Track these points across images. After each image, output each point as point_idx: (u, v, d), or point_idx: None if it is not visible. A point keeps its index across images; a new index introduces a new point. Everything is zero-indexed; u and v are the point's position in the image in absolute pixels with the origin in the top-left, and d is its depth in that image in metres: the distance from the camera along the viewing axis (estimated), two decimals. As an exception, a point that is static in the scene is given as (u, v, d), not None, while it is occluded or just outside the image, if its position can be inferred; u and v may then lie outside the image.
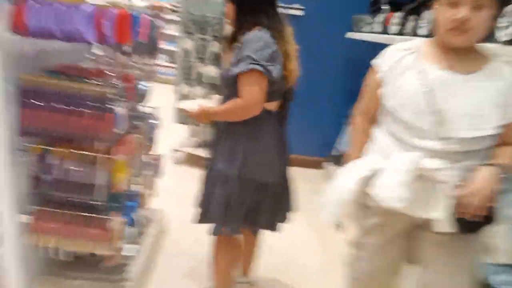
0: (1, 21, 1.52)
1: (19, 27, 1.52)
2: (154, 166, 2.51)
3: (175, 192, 3.37)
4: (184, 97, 3.86)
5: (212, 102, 2.15)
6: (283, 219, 2.02)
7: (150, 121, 2.34)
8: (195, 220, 1.95)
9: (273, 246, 2.61)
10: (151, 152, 2.44)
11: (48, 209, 1.77)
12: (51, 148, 1.68)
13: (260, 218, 1.89)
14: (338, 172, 1.58)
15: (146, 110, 2.32)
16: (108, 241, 1.81)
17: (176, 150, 4.09)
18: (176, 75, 3.82)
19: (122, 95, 1.74)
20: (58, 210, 1.78)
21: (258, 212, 1.87)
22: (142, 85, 2.09)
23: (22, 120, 1.60)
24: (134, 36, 1.79)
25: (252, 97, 1.66)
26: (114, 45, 1.66)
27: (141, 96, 2.13)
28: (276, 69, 1.68)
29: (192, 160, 4.15)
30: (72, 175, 1.70)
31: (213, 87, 3.81)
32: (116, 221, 1.87)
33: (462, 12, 1.25)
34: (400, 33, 2.81)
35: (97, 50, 2.16)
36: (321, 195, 1.60)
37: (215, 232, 1.91)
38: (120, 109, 1.72)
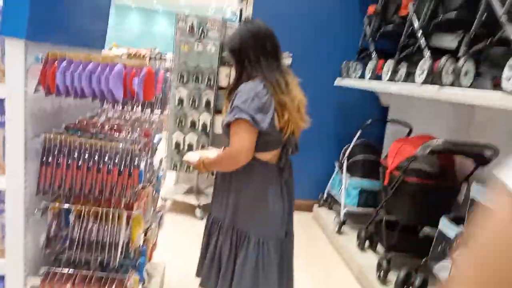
0: (31, 79, 1.51)
1: (48, 86, 1.52)
2: (158, 217, 2.47)
3: (167, 242, 3.30)
4: (177, 145, 3.86)
5: (214, 152, 2.16)
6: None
7: (159, 173, 2.33)
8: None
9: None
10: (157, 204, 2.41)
11: (63, 269, 1.70)
12: (71, 206, 1.63)
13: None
14: None
15: (155, 161, 2.32)
16: (128, 301, 1.74)
17: (165, 198, 4.04)
18: (169, 123, 3.83)
19: (145, 150, 1.74)
20: (73, 270, 1.71)
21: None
22: (156, 137, 2.09)
23: (43, 179, 1.57)
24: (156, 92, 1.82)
25: (238, 145, 1.70)
26: (141, 102, 1.67)
27: (155, 149, 2.12)
28: (266, 120, 1.69)
29: (178, 208, 4.10)
30: (92, 234, 1.65)
31: (207, 134, 3.84)
32: (133, 279, 1.81)
33: None
34: (392, 79, 2.96)
35: (112, 104, 2.16)
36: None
37: None
38: (143, 164, 1.71)
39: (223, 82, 3.76)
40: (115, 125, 1.91)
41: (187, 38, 3.69)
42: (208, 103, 3.78)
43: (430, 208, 2.58)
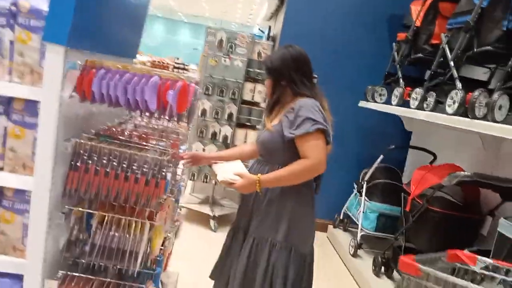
0: (67, 85, 1.53)
1: (84, 92, 1.53)
2: (175, 227, 2.46)
3: (181, 252, 3.29)
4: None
5: (240, 164, 2.13)
6: None
7: (180, 183, 2.33)
8: None
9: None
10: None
11: (80, 274, 1.70)
12: (94, 212, 1.64)
13: None
14: None
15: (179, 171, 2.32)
16: (143, 312, 1.73)
17: (180, 206, 4.03)
18: (191, 132, 3.85)
19: (172, 161, 1.74)
20: (91, 277, 1.70)
21: None
22: (181, 148, 2.10)
23: (70, 182, 1.58)
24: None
25: (319, 156, 1.71)
26: (175, 114, 1.68)
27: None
28: (331, 134, 1.78)
29: (194, 217, 4.09)
30: (114, 241, 1.65)
31: (227, 146, 3.85)
32: (149, 289, 1.80)
33: None
34: (420, 107, 2.93)
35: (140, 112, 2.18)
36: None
37: None
38: (169, 175, 1.71)
39: (247, 96, 3.78)
40: (143, 134, 1.92)
41: (215, 52, 3.72)
42: (230, 116, 3.79)
43: (452, 239, 2.52)
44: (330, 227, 4.27)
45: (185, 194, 4.27)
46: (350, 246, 3.58)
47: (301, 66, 1.87)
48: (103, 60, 1.54)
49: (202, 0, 13.86)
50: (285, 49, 1.89)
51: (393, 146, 3.50)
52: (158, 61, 8.80)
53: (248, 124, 3.90)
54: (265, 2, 4.90)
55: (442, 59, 2.85)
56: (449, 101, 2.47)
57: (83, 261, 1.67)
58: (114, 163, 1.58)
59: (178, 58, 9.69)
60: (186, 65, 8.69)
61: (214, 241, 3.58)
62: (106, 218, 1.63)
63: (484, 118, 2.10)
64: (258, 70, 3.80)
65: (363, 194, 3.58)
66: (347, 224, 4.08)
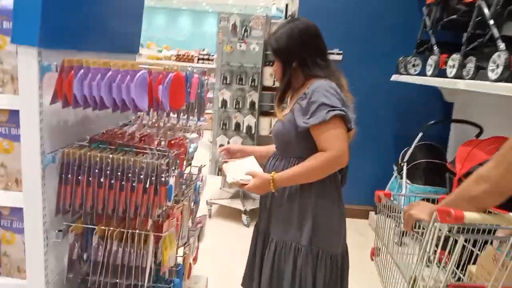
0: (46, 90, 1.38)
1: (66, 96, 1.37)
2: (198, 230, 2.29)
3: (212, 251, 3.15)
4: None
5: (254, 161, 1.91)
6: None
7: (197, 182, 2.15)
8: None
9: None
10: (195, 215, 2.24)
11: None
12: (93, 227, 1.48)
13: None
14: None
15: (192, 171, 2.15)
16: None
17: (210, 203, 3.89)
18: (214, 126, 3.68)
19: (174, 163, 1.56)
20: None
21: None
22: (191, 147, 1.91)
23: (63, 198, 1.43)
24: (187, 98, 1.64)
25: (341, 146, 1.48)
26: (167, 111, 1.49)
27: (190, 158, 1.95)
28: (351, 119, 1.54)
29: (225, 213, 3.94)
30: (118, 257, 1.49)
31: (251, 137, 3.65)
32: (165, 305, 1.64)
33: None
34: (459, 75, 2.60)
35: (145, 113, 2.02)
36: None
37: None
38: (172, 180, 1.53)
39: (268, 82, 3.55)
40: (146, 135, 1.75)
41: (230, 38, 3.51)
42: (252, 105, 3.58)
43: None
44: (372, 213, 4.00)
45: (216, 190, 4.11)
46: (394, 233, 3.30)
47: (312, 41, 1.62)
48: (83, 59, 1.36)
49: (225, -13, 13.63)
50: (290, 23, 1.63)
51: (432, 122, 3.17)
52: (183, 54, 8.68)
53: (272, 111, 3.67)
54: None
55: (479, 18, 2.50)
56: (491, 65, 2.15)
57: (87, 280, 1.53)
58: (107, 172, 1.41)
59: (203, 50, 9.53)
60: (212, 56, 8.51)
61: (248, 237, 3.40)
62: (106, 232, 1.48)
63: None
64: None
65: (404, 176, 3.28)
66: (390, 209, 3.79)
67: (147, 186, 1.41)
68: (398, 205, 2.06)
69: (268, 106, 3.62)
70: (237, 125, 3.63)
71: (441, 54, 2.94)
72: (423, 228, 1.43)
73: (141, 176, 1.41)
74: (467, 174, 2.49)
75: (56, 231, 1.48)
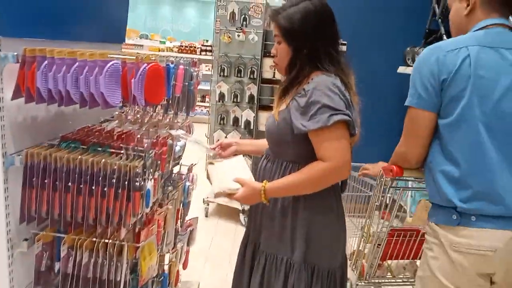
0: (7, 84, 1.23)
1: (29, 91, 1.22)
2: (187, 234, 2.14)
3: (208, 252, 3.01)
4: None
5: (242, 163, 1.74)
6: None
7: (186, 183, 2.00)
8: None
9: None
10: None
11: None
12: (63, 236, 1.34)
13: None
14: None
15: (181, 170, 2.00)
16: None
17: (207, 201, 3.74)
18: (210, 120, 3.53)
19: (154, 165, 1.41)
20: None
21: None
22: (178, 145, 1.76)
23: (28, 203, 1.28)
24: (168, 92, 1.48)
25: (343, 156, 1.30)
26: (145, 105, 1.34)
27: (177, 158, 1.79)
28: (355, 120, 1.36)
29: (222, 212, 3.80)
30: (89, 269, 1.35)
31: (250, 132, 3.49)
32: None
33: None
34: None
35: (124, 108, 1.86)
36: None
37: None
38: (151, 183, 1.38)
39: (268, 74, 3.39)
40: (126, 133, 1.60)
41: (228, 27, 3.34)
42: (251, 98, 3.42)
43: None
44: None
45: (213, 187, 3.96)
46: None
47: (328, 26, 1.39)
48: (46, 48, 1.21)
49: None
50: (304, 1, 1.38)
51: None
52: (186, 46, 8.50)
53: (272, 105, 3.51)
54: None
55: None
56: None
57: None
58: (75, 176, 1.26)
59: (207, 41, 9.35)
60: (215, 47, 8.32)
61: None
62: (76, 242, 1.33)
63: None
64: (278, 43, 3.37)
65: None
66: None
67: (119, 191, 1.26)
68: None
69: (268, 100, 3.45)
70: (235, 120, 3.47)
71: (451, 45, 2.75)
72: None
73: (113, 180, 1.26)
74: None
75: (22, 240, 1.34)
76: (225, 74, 3.40)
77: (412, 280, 2.26)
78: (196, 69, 1.87)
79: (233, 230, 3.49)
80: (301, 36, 1.38)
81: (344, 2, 3.53)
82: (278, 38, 1.42)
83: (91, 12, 1.71)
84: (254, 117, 3.43)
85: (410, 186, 2.14)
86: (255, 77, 3.38)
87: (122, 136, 1.54)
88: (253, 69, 3.36)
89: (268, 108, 3.51)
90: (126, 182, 1.26)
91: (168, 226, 1.73)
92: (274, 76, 3.45)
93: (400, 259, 2.22)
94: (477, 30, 1.33)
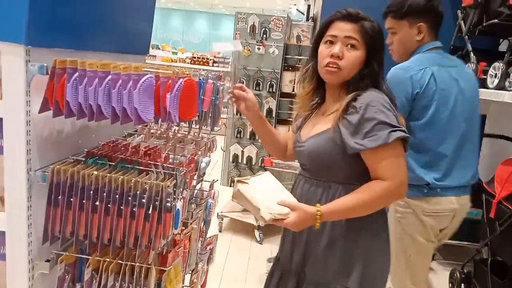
0: (35, 96, 1.17)
1: (58, 104, 1.16)
2: (207, 253, 2.06)
3: (223, 269, 2.92)
4: (235, 158, 3.47)
5: (275, 181, 1.46)
6: None
7: (208, 200, 1.93)
8: None
9: None
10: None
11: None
12: (86, 257, 1.27)
13: None
14: None
15: (203, 187, 1.92)
16: None
17: (221, 216, 3.66)
18: (227, 133, 3.46)
19: (183, 183, 1.34)
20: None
21: None
22: (203, 162, 1.69)
23: (52, 223, 1.22)
24: (199, 107, 1.42)
25: (403, 175, 1.24)
26: (177, 123, 1.27)
27: (201, 174, 1.72)
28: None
29: (237, 227, 3.71)
30: (115, 292, 1.28)
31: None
32: None
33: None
34: (501, 85, 2.34)
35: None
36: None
37: None
38: (180, 203, 1.31)
39: (287, 88, 3.33)
40: (152, 148, 1.53)
41: (247, 40, 3.29)
42: (269, 112, 3.35)
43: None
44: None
45: (227, 201, 3.87)
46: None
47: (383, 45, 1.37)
48: (78, 59, 1.15)
49: (241, -11, 13.48)
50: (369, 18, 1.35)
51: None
52: (199, 57, 8.49)
53: (290, 119, 3.44)
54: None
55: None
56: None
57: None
58: (104, 194, 1.19)
59: (219, 53, 9.35)
60: (227, 59, 8.31)
61: (261, 255, 3.19)
62: (101, 264, 1.26)
63: None
64: (298, 57, 3.32)
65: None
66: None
67: (149, 212, 1.19)
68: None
69: (286, 114, 3.39)
70: (252, 134, 3.41)
71: (478, 62, 2.68)
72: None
73: (143, 200, 1.19)
74: (509, 197, 2.23)
75: (44, 261, 1.27)
76: (244, 88, 3.35)
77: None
78: (221, 83, 1.81)
79: (248, 246, 3.39)
80: (380, 47, 1.33)
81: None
82: (354, 41, 1.29)
83: (117, 23, 1.66)
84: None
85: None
86: (274, 90, 3.32)
87: (149, 152, 1.48)
88: (272, 82, 3.30)
89: (286, 122, 3.45)
90: (157, 203, 1.19)
91: (191, 246, 1.65)
92: (293, 90, 3.39)
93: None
94: (425, 51, 1.80)
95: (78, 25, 1.37)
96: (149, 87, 1.16)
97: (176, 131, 1.87)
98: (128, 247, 1.22)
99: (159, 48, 10.33)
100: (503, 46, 3.18)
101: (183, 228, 1.57)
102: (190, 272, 1.79)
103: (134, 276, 1.26)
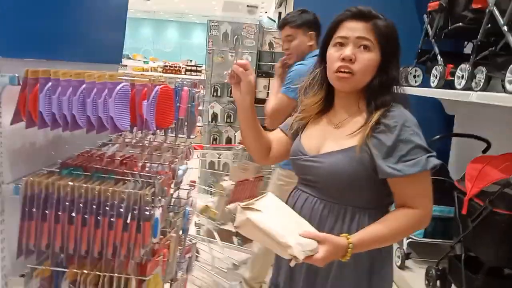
0: (6, 107, 1.14)
1: (30, 115, 1.14)
2: (186, 261, 2.04)
3: (202, 277, 2.89)
4: (211, 165, 3.46)
5: (285, 206, 1.18)
6: None
7: (186, 208, 1.91)
8: None
9: None
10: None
11: None
12: (64, 270, 1.24)
13: None
14: None
15: (181, 195, 1.91)
16: None
17: (199, 224, 3.62)
18: (203, 141, 3.45)
19: (161, 192, 1.33)
20: None
21: None
22: (181, 169, 1.68)
23: (26, 236, 1.18)
24: (176, 114, 1.42)
25: (431, 203, 1.14)
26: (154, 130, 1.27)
27: (179, 182, 1.72)
28: None
29: (213, 235, 3.67)
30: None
31: (243, 154, 3.42)
32: None
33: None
34: (468, 86, 2.42)
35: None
36: None
37: None
38: (159, 212, 1.30)
39: (261, 94, 3.34)
40: (128, 157, 1.52)
41: (220, 48, 3.30)
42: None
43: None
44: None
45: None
46: (396, 256, 3.10)
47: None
48: (51, 70, 1.13)
49: (211, -2, 13.51)
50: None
51: (439, 136, 2.98)
52: (170, 65, 8.45)
53: (265, 125, 3.46)
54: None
55: (489, 25, 2.34)
56: (509, 76, 1.97)
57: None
58: (80, 206, 1.17)
59: (191, 61, 9.33)
60: (199, 67, 8.29)
61: (238, 259, 3.18)
62: (79, 276, 1.23)
63: None
64: (271, 63, 3.34)
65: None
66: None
67: (128, 221, 1.18)
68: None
69: (261, 120, 3.39)
70: (229, 140, 3.41)
71: (445, 64, 2.77)
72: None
73: (121, 210, 1.17)
74: (479, 194, 2.30)
75: (18, 276, 1.23)
76: (218, 94, 3.35)
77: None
78: (196, 90, 1.81)
79: (227, 253, 3.37)
80: (396, 48, 1.18)
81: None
82: (367, 42, 1.14)
83: (88, 33, 1.65)
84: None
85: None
86: (248, 97, 3.33)
87: (125, 161, 1.46)
88: (246, 89, 3.31)
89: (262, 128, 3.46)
90: (136, 212, 1.18)
91: (170, 255, 1.63)
92: (267, 96, 3.41)
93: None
94: (315, 55, 1.76)
95: (49, 35, 1.35)
96: (124, 95, 1.16)
97: (151, 140, 1.86)
98: (106, 258, 1.20)
99: (130, 58, 10.23)
100: (468, 49, 3.30)
101: (162, 236, 1.55)
102: (170, 281, 1.78)
103: (114, 287, 1.24)
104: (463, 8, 2.62)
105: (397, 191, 1.14)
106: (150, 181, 1.26)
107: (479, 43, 2.40)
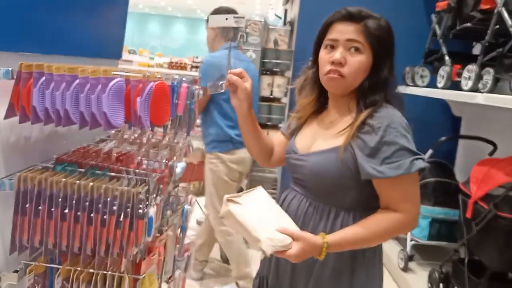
0: (0, 102, 1.13)
1: (24, 110, 1.12)
2: (184, 260, 2.02)
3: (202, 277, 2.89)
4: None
5: (270, 200, 1.20)
6: None
7: (184, 206, 1.90)
8: None
9: None
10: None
11: None
12: (56, 266, 1.23)
13: None
14: None
15: (179, 192, 1.89)
16: None
17: (200, 222, 3.61)
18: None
19: (156, 189, 1.31)
20: None
21: None
22: (179, 167, 1.66)
23: (20, 232, 1.17)
24: (173, 112, 1.39)
25: (418, 207, 1.13)
26: (147, 128, 1.24)
27: (177, 180, 1.70)
28: None
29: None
30: (87, 302, 1.24)
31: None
32: None
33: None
34: (475, 88, 2.38)
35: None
36: None
37: None
38: (153, 210, 1.28)
39: (265, 92, 3.31)
40: (125, 154, 1.50)
41: (225, 44, 3.26)
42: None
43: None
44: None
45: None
46: (400, 258, 3.07)
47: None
48: (45, 63, 1.11)
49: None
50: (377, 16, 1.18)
51: (445, 138, 2.93)
52: (176, 62, 8.42)
53: (269, 124, 3.43)
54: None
55: (498, 26, 2.30)
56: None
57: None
58: (73, 202, 1.16)
59: (197, 57, 9.28)
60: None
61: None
62: (72, 273, 1.22)
63: None
64: (276, 61, 3.31)
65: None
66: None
67: (120, 219, 1.16)
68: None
69: (265, 118, 3.36)
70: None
71: (453, 65, 2.73)
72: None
73: (114, 207, 1.16)
74: (484, 197, 2.27)
75: (12, 272, 1.22)
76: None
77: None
78: (197, 87, 1.79)
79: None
80: (389, 49, 1.16)
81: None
82: (357, 44, 1.13)
83: (86, 27, 1.63)
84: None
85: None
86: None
87: (121, 158, 1.44)
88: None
89: (265, 126, 3.43)
90: (129, 209, 1.16)
91: (167, 253, 1.62)
92: (271, 94, 3.39)
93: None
94: (226, 48, 2.43)
95: (45, 29, 1.33)
96: (118, 91, 1.14)
97: (150, 137, 1.84)
98: (99, 255, 1.18)
99: (136, 53, 10.22)
100: (476, 49, 3.25)
101: (158, 235, 1.53)
102: (167, 279, 1.76)
103: (107, 285, 1.22)
104: (471, 8, 2.58)
105: (380, 193, 1.14)
106: (145, 178, 1.24)
107: (487, 44, 2.37)
